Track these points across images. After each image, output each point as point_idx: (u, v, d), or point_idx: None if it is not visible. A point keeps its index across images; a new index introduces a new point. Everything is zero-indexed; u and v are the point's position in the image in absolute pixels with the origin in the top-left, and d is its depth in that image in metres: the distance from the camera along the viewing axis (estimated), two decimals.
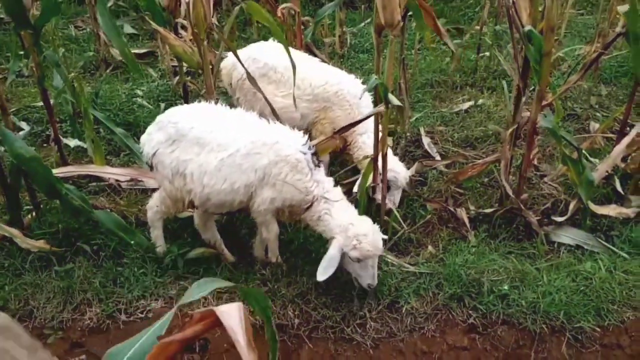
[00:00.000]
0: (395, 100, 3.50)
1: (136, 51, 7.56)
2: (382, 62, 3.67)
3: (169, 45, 3.85)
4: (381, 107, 3.55)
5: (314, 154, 3.50)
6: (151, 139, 3.61)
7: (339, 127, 4.42)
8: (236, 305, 1.42)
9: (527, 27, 3.66)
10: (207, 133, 3.47)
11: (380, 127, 3.84)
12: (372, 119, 3.91)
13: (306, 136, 3.56)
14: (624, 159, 4.85)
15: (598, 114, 5.89)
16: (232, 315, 1.39)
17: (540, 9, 3.71)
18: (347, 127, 3.86)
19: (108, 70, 6.98)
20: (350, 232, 3.33)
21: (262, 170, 3.41)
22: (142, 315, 3.43)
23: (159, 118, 3.66)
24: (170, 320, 1.61)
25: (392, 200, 4.34)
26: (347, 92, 4.48)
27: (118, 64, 7.11)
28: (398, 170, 4.32)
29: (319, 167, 3.53)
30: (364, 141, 4.50)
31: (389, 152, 4.48)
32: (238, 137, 3.46)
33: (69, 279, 3.61)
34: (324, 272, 3.26)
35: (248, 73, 3.68)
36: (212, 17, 4.02)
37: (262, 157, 3.40)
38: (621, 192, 4.46)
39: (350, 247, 3.30)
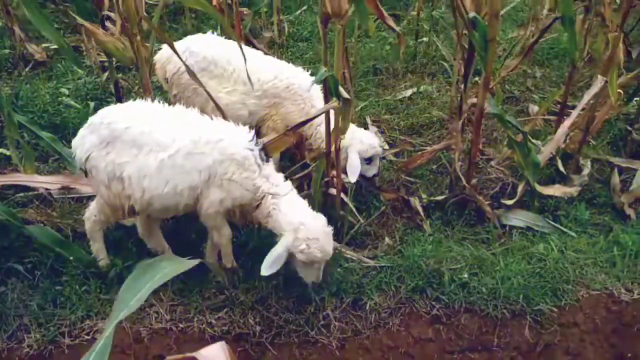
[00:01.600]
0: (344, 94, 3.38)
1: (56, 46, 7.00)
2: (328, 52, 3.53)
3: (98, 42, 3.54)
4: (334, 103, 3.43)
5: (262, 149, 3.33)
6: (83, 143, 3.30)
7: (292, 123, 4.27)
8: (220, 346, 1.25)
9: (472, 14, 3.65)
10: (144, 133, 3.21)
11: (332, 121, 3.72)
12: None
13: (252, 131, 3.38)
14: (563, 140, 5.02)
15: (535, 96, 6.07)
16: (217, 358, 1.22)
17: None
18: (301, 123, 3.71)
19: (27, 69, 6.41)
20: (301, 234, 3.16)
21: (207, 171, 3.21)
22: (89, 337, 3.16)
23: (91, 119, 3.35)
24: (112, 339, 1.42)
25: (374, 169, 4.36)
26: (298, 87, 4.31)
27: (37, 61, 6.54)
28: (375, 143, 4.29)
29: (268, 162, 3.37)
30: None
31: (357, 129, 4.41)
32: (179, 135, 3.22)
33: (1, 303, 3.26)
34: (268, 268, 3.09)
35: (187, 66, 3.43)
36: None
37: (206, 156, 3.19)
38: (564, 172, 4.60)
39: (298, 250, 3.15)
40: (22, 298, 3.31)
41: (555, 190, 4.40)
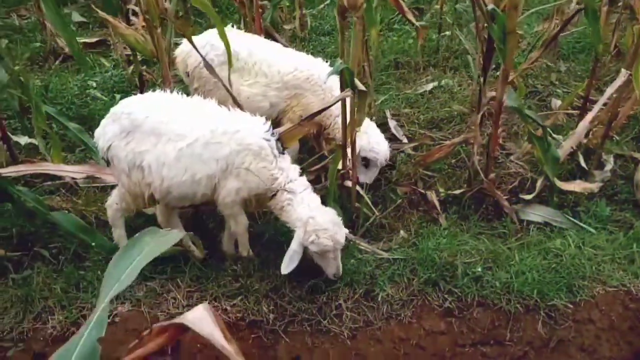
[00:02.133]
0: (360, 86, 3.40)
1: (87, 40, 7.20)
2: (347, 45, 3.56)
3: (121, 35, 3.64)
4: (348, 92, 3.45)
5: (278, 140, 3.39)
6: (105, 132, 3.42)
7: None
8: (202, 308, 1.31)
9: (490, 6, 3.62)
10: (163, 122, 3.31)
11: (347, 112, 3.75)
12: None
13: (268, 122, 3.44)
14: (585, 135, 4.93)
15: (559, 91, 5.96)
16: (204, 321, 1.28)
17: None
18: (316, 113, 3.75)
19: (57, 62, 6.61)
20: (310, 227, 3.25)
21: (224, 160, 3.29)
22: (109, 320, 3.27)
23: (112, 110, 3.47)
24: (106, 317, 1.51)
25: (368, 178, 4.34)
26: (318, 77, 4.34)
27: (68, 54, 6.74)
28: (378, 150, 4.29)
29: (284, 154, 3.43)
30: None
31: (374, 127, 4.48)
32: (197, 125, 3.31)
33: (27, 286, 3.41)
34: (287, 266, 3.25)
35: (205, 60, 3.51)
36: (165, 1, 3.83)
37: (223, 146, 3.27)
38: (585, 167, 4.53)
39: (309, 241, 3.24)
40: (47, 282, 3.45)
41: (576, 186, 4.34)
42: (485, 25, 3.78)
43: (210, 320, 1.29)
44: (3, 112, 5.12)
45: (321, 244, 3.22)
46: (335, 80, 4.25)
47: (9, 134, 4.71)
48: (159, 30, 3.24)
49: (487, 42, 3.89)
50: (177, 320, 1.29)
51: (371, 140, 4.25)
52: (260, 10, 4.94)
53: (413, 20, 5.02)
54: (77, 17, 7.89)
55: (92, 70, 6.38)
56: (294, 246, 3.28)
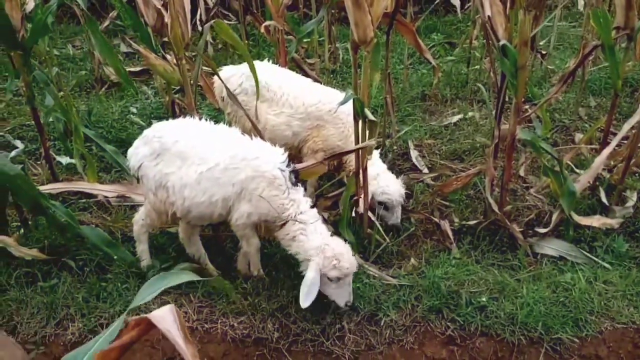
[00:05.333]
0: (370, 115, 3.55)
1: (131, 69, 7.70)
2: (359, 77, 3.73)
3: (151, 65, 3.94)
4: (372, 142, 3.65)
5: (293, 172, 3.55)
6: (137, 153, 3.70)
7: (332, 145, 4.52)
8: (168, 308, 1.47)
9: (502, 42, 3.72)
10: (189, 147, 3.55)
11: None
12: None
13: (286, 154, 3.61)
14: (610, 170, 4.87)
15: (586, 125, 5.91)
16: (165, 318, 1.44)
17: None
18: (337, 155, 3.94)
19: (103, 89, 7.10)
20: (328, 253, 3.35)
21: (240, 185, 3.47)
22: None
23: (145, 132, 3.75)
24: (121, 325, 1.66)
25: (394, 218, 4.36)
26: (340, 110, 4.51)
27: (113, 82, 7.23)
28: (389, 191, 4.30)
29: (297, 186, 3.57)
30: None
31: (384, 170, 4.55)
32: (219, 151, 3.52)
33: (53, 294, 3.66)
34: (307, 298, 3.25)
35: (228, 90, 3.76)
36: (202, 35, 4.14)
37: (240, 171, 3.46)
38: (606, 203, 4.47)
39: (330, 267, 3.32)
40: (70, 290, 3.69)
41: (594, 221, 4.29)
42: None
43: (172, 319, 1.45)
44: (49, 134, 5.56)
45: (343, 267, 3.32)
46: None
47: (52, 154, 5.10)
48: (183, 60, 3.50)
49: (501, 77, 3.98)
50: (146, 316, 1.45)
51: (381, 184, 4.29)
52: (285, 45, 5.20)
53: (431, 59, 5.19)
54: (124, 48, 8.46)
55: (133, 97, 6.82)
56: (312, 274, 3.30)
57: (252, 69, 3.87)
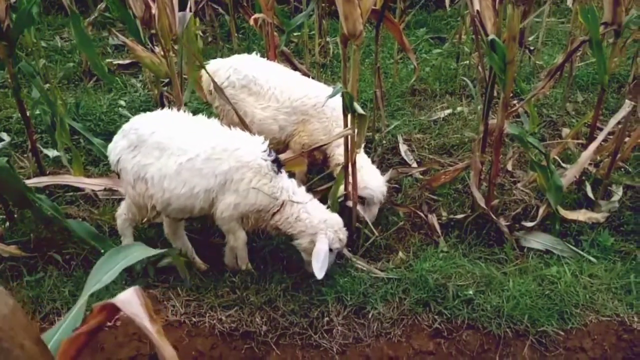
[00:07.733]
0: (359, 109, 3.55)
1: (120, 62, 7.64)
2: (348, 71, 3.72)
3: (137, 57, 3.91)
4: (348, 131, 3.64)
5: (274, 161, 3.55)
6: (115, 147, 3.67)
7: (317, 140, 4.50)
8: (132, 291, 1.45)
9: (491, 36, 3.73)
10: (167, 138, 3.52)
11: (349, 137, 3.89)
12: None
13: (266, 142, 3.61)
14: (596, 165, 4.92)
15: (573, 121, 5.96)
16: (132, 302, 1.43)
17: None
18: (317, 147, 3.95)
19: (91, 82, 7.03)
20: (336, 227, 3.60)
21: (223, 176, 3.45)
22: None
23: (123, 126, 3.72)
24: (84, 311, 1.71)
25: (370, 214, 4.30)
26: (325, 105, 4.51)
27: None
28: (372, 187, 4.25)
29: (280, 173, 3.58)
30: (340, 153, 4.51)
31: (368, 164, 4.53)
32: (198, 142, 3.51)
33: (38, 288, 3.63)
34: (321, 268, 3.37)
35: (215, 83, 3.74)
36: (197, 27, 4.11)
37: (223, 162, 3.45)
38: (592, 197, 4.51)
39: (336, 240, 3.56)
40: (57, 284, 3.66)
41: (580, 215, 4.33)
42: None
43: (138, 302, 1.43)
44: (36, 126, 5.50)
45: (343, 241, 3.65)
46: (341, 111, 4.43)
47: (39, 146, 5.04)
48: (171, 52, 3.48)
49: (488, 71, 4.00)
50: (110, 301, 1.44)
51: (364, 178, 4.22)
52: (275, 38, 5.18)
53: (413, 60, 5.28)
54: (113, 40, 8.36)
55: (122, 90, 6.76)
56: (323, 246, 3.45)
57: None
